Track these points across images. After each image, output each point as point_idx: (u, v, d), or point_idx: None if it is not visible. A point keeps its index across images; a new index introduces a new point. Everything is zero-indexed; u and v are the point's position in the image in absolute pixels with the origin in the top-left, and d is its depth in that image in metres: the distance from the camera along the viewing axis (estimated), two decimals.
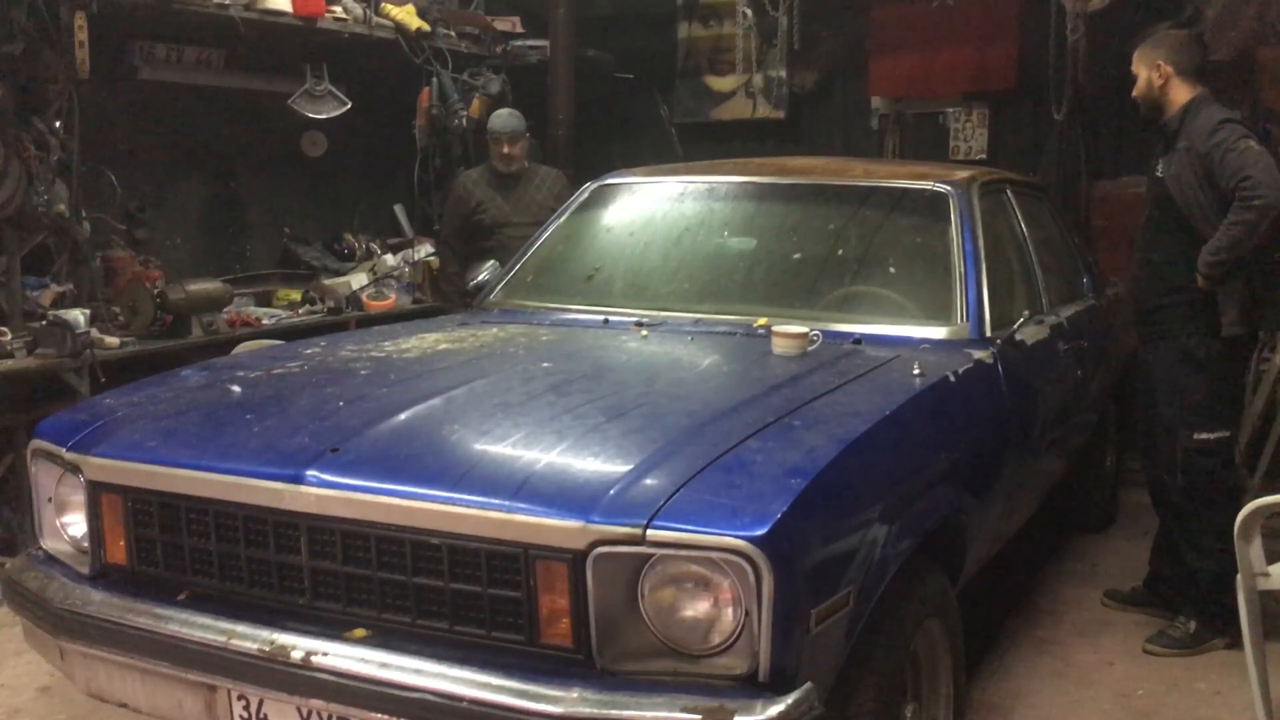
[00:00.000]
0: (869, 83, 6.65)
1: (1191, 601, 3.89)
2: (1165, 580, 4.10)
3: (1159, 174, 3.83)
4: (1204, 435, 3.79)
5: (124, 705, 2.59)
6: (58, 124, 4.70)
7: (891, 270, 3.60)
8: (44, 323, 4.54)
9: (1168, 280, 3.82)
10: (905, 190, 3.79)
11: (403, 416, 2.54)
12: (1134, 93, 3.87)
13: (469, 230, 5.55)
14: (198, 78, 5.82)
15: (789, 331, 3.09)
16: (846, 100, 6.91)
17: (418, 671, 2.18)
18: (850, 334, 3.28)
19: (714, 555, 2.06)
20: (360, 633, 2.30)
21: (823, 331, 3.17)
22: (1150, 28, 4.65)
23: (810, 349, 3.07)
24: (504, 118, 5.57)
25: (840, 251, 3.69)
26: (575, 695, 2.07)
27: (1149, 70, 3.80)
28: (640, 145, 7.17)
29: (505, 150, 5.48)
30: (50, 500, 2.78)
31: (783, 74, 6.92)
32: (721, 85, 7.18)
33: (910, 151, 6.62)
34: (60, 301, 4.81)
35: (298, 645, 2.28)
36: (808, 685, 2.10)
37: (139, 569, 2.59)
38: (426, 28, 6.36)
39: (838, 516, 2.28)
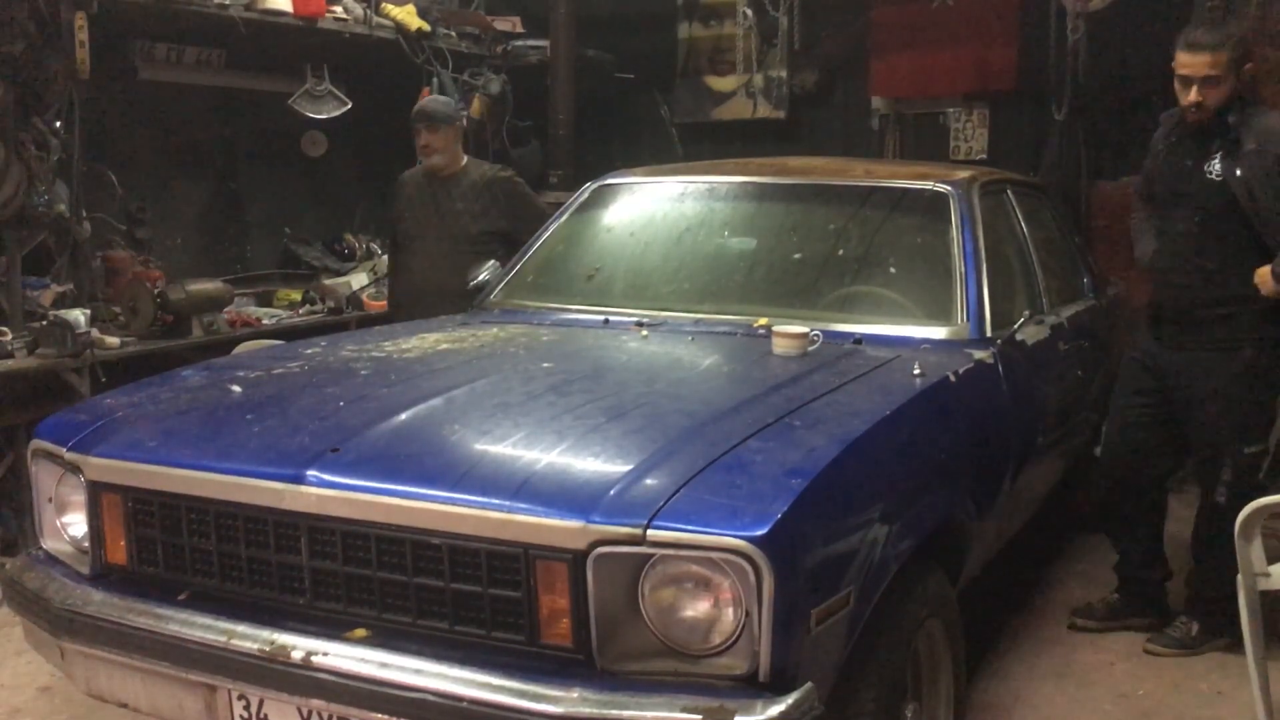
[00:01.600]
0: (869, 83, 6.64)
1: (1195, 605, 3.87)
2: (1141, 584, 4.02)
3: (1213, 176, 3.58)
4: (1252, 449, 3.64)
5: (124, 705, 2.59)
6: (58, 124, 4.71)
7: (892, 270, 3.60)
8: (44, 323, 4.54)
9: (1227, 288, 3.60)
10: (906, 190, 3.78)
11: (403, 416, 2.54)
12: (1217, 99, 3.52)
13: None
14: (198, 78, 5.83)
15: (789, 331, 3.09)
16: (846, 100, 6.91)
17: (418, 671, 2.18)
18: (851, 334, 3.27)
19: (714, 555, 2.06)
20: (360, 633, 2.30)
21: (823, 331, 3.17)
22: (1148, 29, 4.59)
23: (811, 349, 3.07)
24: (424, 101, 5.01)
25: (841, 251, 3.69)
26: (575, 695, 2.07)
27: (1236, 73, 3.52)
28: (640, 145, 7.18)
29: (422, 140, 4.82)
30: (51, 500, 2.78)
31: (783, 74, 6.92)
32: (722, 85, 7.18)
33: (910, 151, 6.62)
34: (61, 301, 4.81)
35: (298, 645, 2.28)
36: (808, 685, 2.09)
37: (139, 569, 2.59)
38: (427, 28, 6.36)
39: (838, 516, 2.28)
